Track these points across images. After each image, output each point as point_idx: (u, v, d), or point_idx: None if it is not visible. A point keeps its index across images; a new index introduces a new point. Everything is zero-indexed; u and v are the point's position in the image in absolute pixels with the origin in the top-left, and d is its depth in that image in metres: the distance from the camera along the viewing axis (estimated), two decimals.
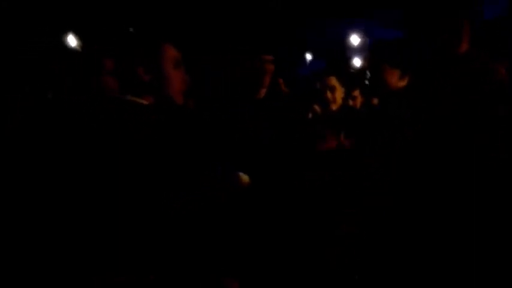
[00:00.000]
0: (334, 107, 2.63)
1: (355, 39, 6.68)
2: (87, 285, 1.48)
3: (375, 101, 2.79)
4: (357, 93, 3.01)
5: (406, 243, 1.88)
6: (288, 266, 2.36)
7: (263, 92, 2.35)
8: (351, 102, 2.81)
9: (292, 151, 2.74)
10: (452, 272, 1.67)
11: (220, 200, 2.52)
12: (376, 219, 2.28)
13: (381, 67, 2.40)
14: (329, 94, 2.62)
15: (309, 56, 8.00)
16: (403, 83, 2.40)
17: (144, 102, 1.58)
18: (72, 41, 5.91)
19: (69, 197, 1.56)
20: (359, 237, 2.29)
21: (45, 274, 1.55)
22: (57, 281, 1.53)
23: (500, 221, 1.63)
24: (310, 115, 2.90)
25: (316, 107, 2.85)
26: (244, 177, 2.35)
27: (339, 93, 2.64)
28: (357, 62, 6.89)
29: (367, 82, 2.67)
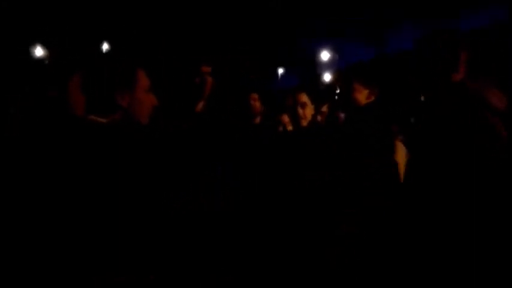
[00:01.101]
0: (304, 123, 2.67)
1: (325, 56, 6.80)
2: (87, 285, 1.48)
3: (341, 116, 2.85)
4: (325, 108, 3.04)
5: (406, 243, 1.88)
6: (288, 266, 2.37)
7: (201, 104, 2.42)
8: (319, 118, 2.84)
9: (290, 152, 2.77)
10: (453, 271, 1.68)
11: (219, 201, 2.53)
12: (376, 219, 2.28)
13: (352, 86, 2.50)
14: (300, 110, 2.66)
15: (280, 71, 8.12)
16: (369, 100, 2.53)
17: (103, 120, 1.68)
18: (39, 51, 5.90)
19: (69, 198, 1.56)
20: (359, 237, 2.29)
21: (46, 274, 1.56)
22: (58, 281, 1.53)
23: (500, 221, 1.63)
24: (280, 128, 2.93)
25: (286, 120, 2.88)
26: None
27: (309, 110, 2.69)
28: (326, 77, 7.01)
29: (336, 97, 2.75)
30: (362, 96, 2.53)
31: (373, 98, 2.55)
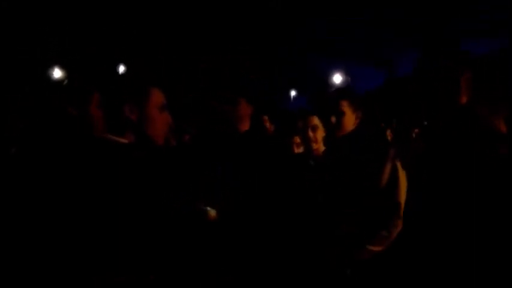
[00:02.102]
0: (315, 146, 2.65)
1: (337, 78, 6.82)
2: (87, 285, 1.48)
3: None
4: None
5: (406, 243, 1.88)
6: (288, 266, 2.37)
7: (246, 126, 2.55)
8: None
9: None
10: (453, 272, 1.68)
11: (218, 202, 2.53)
12: (376, 220, 2.28)
13: (341, 109, 2.45)
14: (311, 133, 2.65)
15: (293, 93, 8.15)
16: (355, 125, 2.47)
17: (124, 140, 1.68)
18: (57, 73, 5.97)
19: (70, 199, 1.57)
20: (359, 237, 2.29)
21: (46, 274, 1.56)
22: (58, 281, 1.53)
23: (500, 222, 1.63)
24: (293, 149, 2.93)
25: (298, 142, 2.87)
26: (212, 212, 2.41)
27: (320, 133, 2.65)
28: None
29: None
30: (351, 121, 2.49)
31: (357, 122, 2.51)
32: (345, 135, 2.45)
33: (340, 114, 2.45)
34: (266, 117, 3.31)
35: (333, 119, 2.45)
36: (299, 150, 2.89)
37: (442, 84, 1.79)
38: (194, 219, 2.33)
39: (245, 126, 2.60)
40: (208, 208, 2.46)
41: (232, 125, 2.59)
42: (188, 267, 1.70)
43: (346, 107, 2.46)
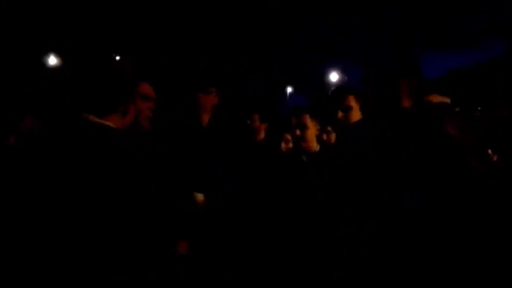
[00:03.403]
0: (304, 144, 2.65)
1: (334, 76, 6.88)
2: (87, 285, 1.48)
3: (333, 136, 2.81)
4: (330, 128, 3.05)
5: (406, 244, 1.88)
6: (288, 266, 2.37)
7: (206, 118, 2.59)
8: (324, 137, 2.82)
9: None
10: (451, 272, 1.68)
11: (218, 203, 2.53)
12: (376, 220, 2.28)
13: (349, 104, 2.49)
14: (298, 132, 2.65)
15: (289, 89, 8.19)
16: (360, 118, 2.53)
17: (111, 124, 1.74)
18: (52, 60, 5.96)
19: (70, 198, 1.57)
20: (359, 237, 2.29)
21: (46, 274, 1.56)
22: (58, 280, 1.53)
23: (496, 223, 1.64)
24: (283, 145, 2.94)
25: (289, 138, 2.89)
26: (199, 196, 2.42)
27: (311, 132, 2.66)
28: None
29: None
30: (358, 115, 2.52)
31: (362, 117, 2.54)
32: (352, 125, 2.47)
33: (348, 109, 2.48)
34: (257, 116, 3.26)
35: (340, 114, 2.48)
36: (288, 146, 2.88)
37: (383, 92, 1.95)
38: (194, 219, 2.34)
39: (207, 117, 2.71)
40: (195, 192, 2.47)
41: (197, 116, 2.67)
42: (188, 267, 1.70)
43: (353, 102, 2.50)
